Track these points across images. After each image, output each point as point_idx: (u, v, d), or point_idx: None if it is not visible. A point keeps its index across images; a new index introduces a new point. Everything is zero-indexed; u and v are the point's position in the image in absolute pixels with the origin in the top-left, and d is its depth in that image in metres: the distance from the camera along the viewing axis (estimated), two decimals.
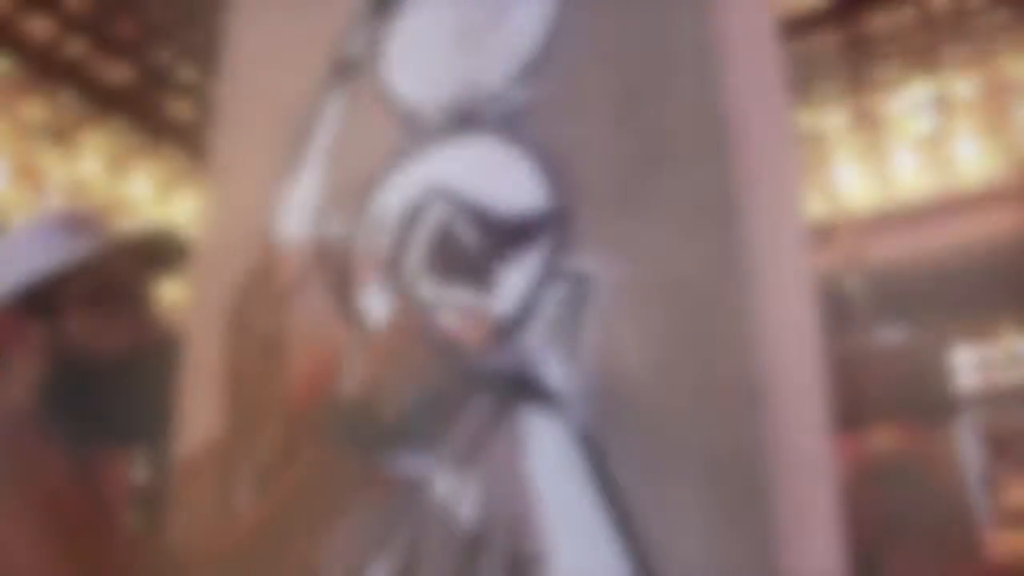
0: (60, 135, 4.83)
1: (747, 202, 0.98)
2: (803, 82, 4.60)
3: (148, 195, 5.65)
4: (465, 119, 1.19)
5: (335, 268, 1.24)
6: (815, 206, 6.58)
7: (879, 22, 4.46)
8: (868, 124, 5.34)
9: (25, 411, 0.91)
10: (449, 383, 1.04)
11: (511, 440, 1.01)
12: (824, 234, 6.63)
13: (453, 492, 1.04)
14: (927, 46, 4.37)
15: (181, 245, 1.12)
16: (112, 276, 1.00)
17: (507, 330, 1.06)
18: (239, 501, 1.20)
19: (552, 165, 1.09)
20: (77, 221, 1.00)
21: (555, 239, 1.06)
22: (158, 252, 1.09)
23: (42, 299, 0.94)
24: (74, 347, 0.94)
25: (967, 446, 6.21)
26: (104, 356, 0.96)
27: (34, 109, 4.95)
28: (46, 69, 4.19)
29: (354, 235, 1.23)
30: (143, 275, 1.05)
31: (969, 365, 6.58)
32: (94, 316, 0.97)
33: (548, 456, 0.98)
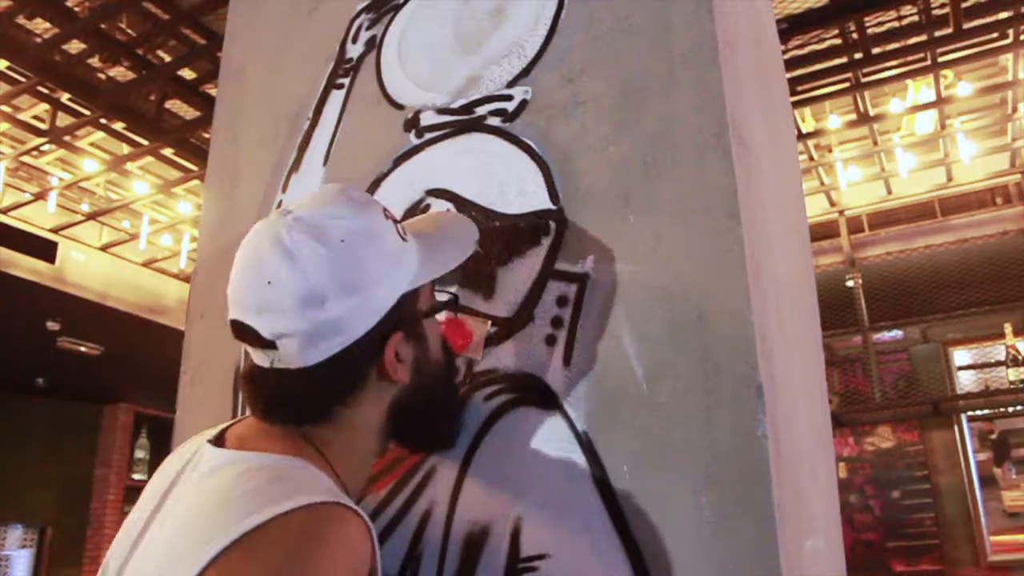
0: (60, 135, 4.83)
1: (747, 202, 0.98)
2: (803, 82, 4.60)
3: (148, 195, 5.65)
4: (465, 119, 1.19)
5: None
6: (815, 206, 6.58)
7: (879, 22, 4.47)
8: (868, 124, 5.34)
9: (374, 426, 0.86)
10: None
11: (511, 440, 1.01)
12: (824, 234, 6.64)
13: (454, 492, 1.04)
14: (927, 46, 4.37)
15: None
16: (436, 281, 0.93)
17: (507, 330, 1.06)
18: None
19: (552, 165, 1.09)
20: (395, 218, 0.89)
21: (555, 239, 1.06)
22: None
23: (412, 313, 0.85)
24: (435, 368, 0.90)
25: (967, 446, 6.21)
26: (444, 371, 0.92)
27: (34, 109, 4.95)
28: (46, 69, 4.19)
29: None
30: None
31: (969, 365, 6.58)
32: (434, 327, 0.91)
33: (548, 456, 0.98)
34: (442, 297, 0.96)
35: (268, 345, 0.78)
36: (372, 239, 0.82)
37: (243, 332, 0.80)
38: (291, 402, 0.82)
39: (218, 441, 0.83)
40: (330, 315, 0.77)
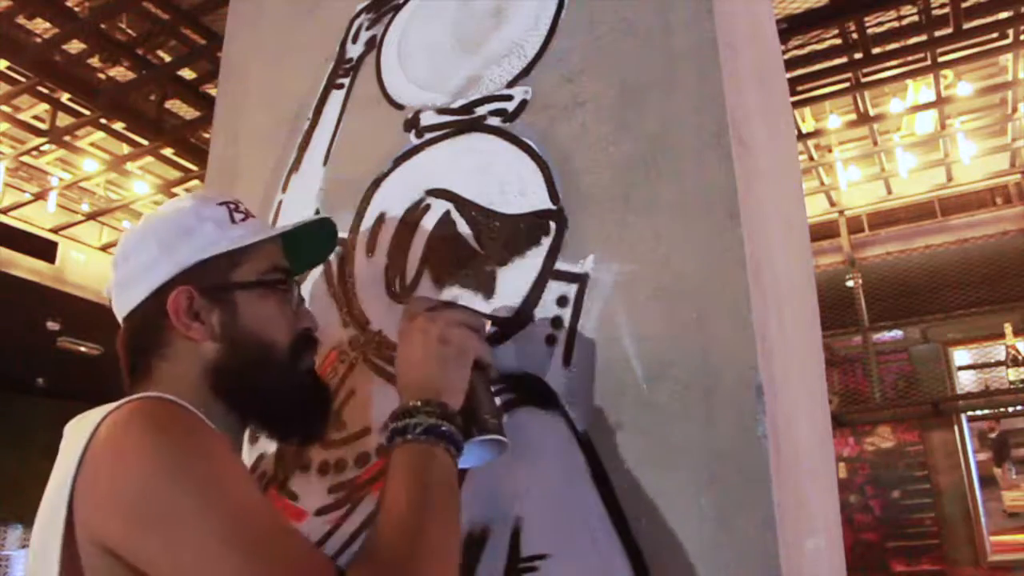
0: (60, 135, 4.83)
1: (747, 202, 0.98)
2: (803, 82, 4.60)
3: (148, 195, 5.65)
4: (465, 119, 1.19)
5: (335, 268, 1.24)
6: (815, 206, 6.58)
7: (879, 22, 4.47)
8: (868, 124, 5.34)
9: (193, 387, 0.87)
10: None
11: (511, 440, 1.01)
12: (824, 234, 6.64)
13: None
14: (927, 46, 4.37)
15: (335, 236, 1.08)
16: (278, 264, 0.97)
17: (507, 330, 1.06)
18: None
19: (552, 165, 1.09)
20: (233, 204, 0.97)
21: (555, 239, 1.06)
22: (315, 243, 1.06)
23: (218, 280, 0.92)
24: (248, 335, 0.91)
25: (967, 446, 6.21)
26: (270, 348, 0.92)
27: (34, 109, 4.95)
28: (46, 69, 4.19)
29: (354, 235, 1.23)
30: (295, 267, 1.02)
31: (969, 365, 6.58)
32: (264, 305, 0.94)
33: (548, 456, 0.98)
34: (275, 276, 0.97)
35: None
36: (185, 214, 0.95)
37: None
38: (123, 355, 0.93)
39: None
40: (133, 266, 0.93)
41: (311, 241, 1.05)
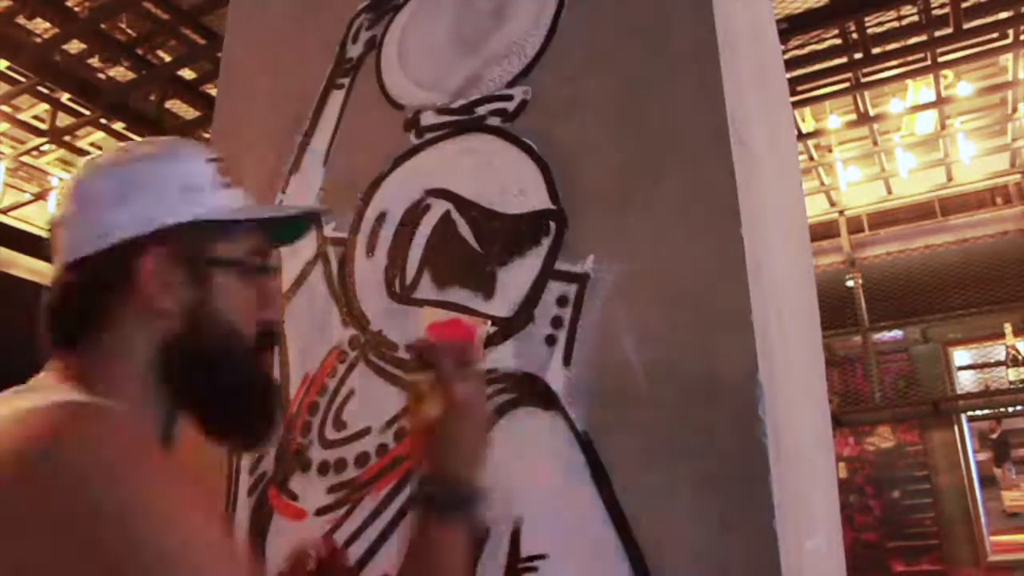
0: (60, 135, 4.83)
1: (747, 202, 0.98)
2: (803, 82, 4.60)
3: None
4: (465, 119, 1.19)
5: (335, 268, 1.24)
6: (815, 206, 6.58)
7: (879, 22, 4.47)
8: (868, 124, 5.34)
9: (136, 362, 0.76)
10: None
11: (511, 440, 1.01)
12: (824, 234, 6.64)
13: None
14: (927, 46, 4.37)
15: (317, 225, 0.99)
16: (261, 246, 0.86)
17: (507, 330, 1.06)
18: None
19: (552, 165, 1.09)
20: (219, 161, 0.84)
21: (555, 239, 1.06)
22: (294, 228, 0.94)
23: (198, 250, 0.79)
24: (216, 318, 0.79)
25: (967, 446, 6.21)
26: (235, 336, 0.81)
27: (34, 109, 4.96)
28: (46, 69, 4.19)
29: (354, 235, 1.23)
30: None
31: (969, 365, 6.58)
32: (239, 288, 0.82)
33: (548, 456, 0.98)
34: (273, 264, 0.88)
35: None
36: (169, 160, 0.81)
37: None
38: (52, 312, 0.78)
39: None
40: (95, 209, 0.77)
41: (291, 226, 0.95)
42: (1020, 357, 6.04)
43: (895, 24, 4.57)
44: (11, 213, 5.82)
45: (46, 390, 0.71)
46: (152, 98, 4.55)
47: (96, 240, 0.76)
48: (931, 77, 4.87)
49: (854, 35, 4.22)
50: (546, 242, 1.06)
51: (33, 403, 0.65)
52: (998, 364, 6.29)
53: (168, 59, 4.43)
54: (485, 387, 0.93)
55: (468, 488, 0.83)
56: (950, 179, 6.42)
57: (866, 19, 4.14)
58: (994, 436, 6.29)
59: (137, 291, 0.76)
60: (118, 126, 4.94)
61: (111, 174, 0.80)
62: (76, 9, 4.17)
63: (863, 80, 4.72)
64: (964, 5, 3.98)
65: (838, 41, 4.51)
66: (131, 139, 5.05)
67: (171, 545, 0.59)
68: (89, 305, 0.77)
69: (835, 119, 5.54)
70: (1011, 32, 4.45)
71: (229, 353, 0.81)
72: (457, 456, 0.85)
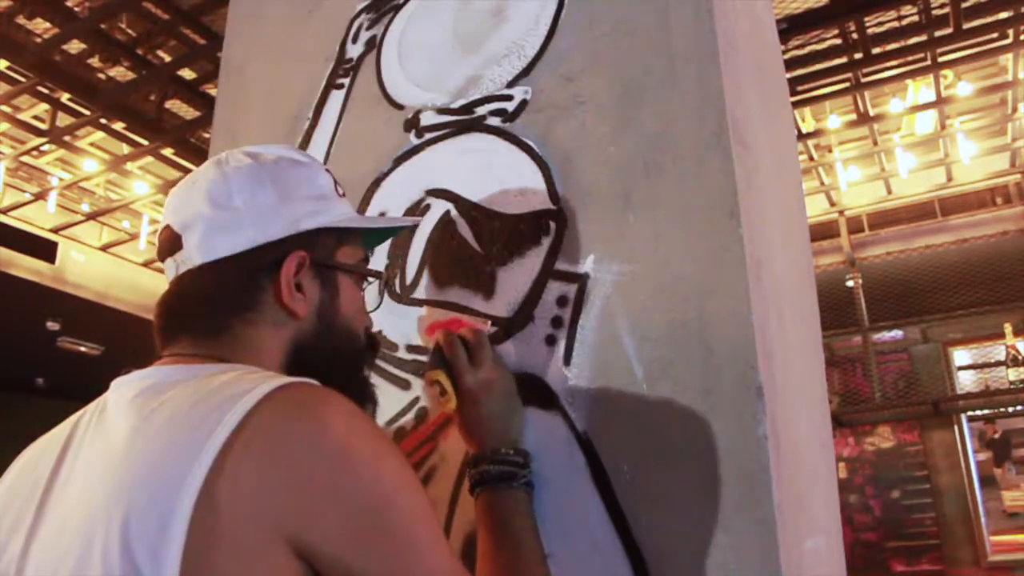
0: (60, 135, 4.83)
1: (747, 202, 0.98)
2: (803, 82, 4.60)
3: (148, 195, 5.65)
4: (465, 119, 1.19)
5: None
6: (815, 206, 6.58)
7: (879, 22, 4.47)
8: (868, 124, 5.34)
9: (271, 363, 0.79)
10: None
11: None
12: (824, 234, 6.64)
13: (454, 491, 1.04)
14: (927, 46, 4.37)
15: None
16: (366, 254, 0.92)
17: (507, 330, 1.06)
18: None
19: (552, 165, 1.09)
20: (331, 173, 0.91)
21: (555, 239, 1.06)
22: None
23: (327, 255, 0.84)
24: (341, 320, 0.84)
25: (967, 446, 6.21)
26: (358, 338, 0.87)
27: (34, 109, 4.95)
28: (46, 69, 4.19)
29: None
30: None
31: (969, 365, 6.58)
32: (355, 293, 0.88)
33: (548, 456, 0.98)
34: (372, 267, 0.94)
35: (177, 246, 0.80)
36: (303, 168, 0.86)
37: (162, 239, 0.83)
38: (188, 308, 0.80)
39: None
40: (236, 210, 0.80)
41: (379, 235, 1.03)
42: (1020, 357, 6.04)
43: (895, 24, 4.57)
44: (11, 213, 5.82)
45: (243, 371, 0.73)
46: (152, 98, 4.55)
47: (243, 240, 0.79)
48: (931, 77, 4.87)
49: (854, 35, 4.22)
50: (546, 242, 1.06)
51: (259, 383, 0.67)
52: (998, 364, 6.28)
53: (168, 59, 4.43)
54: (501, 362, 1.00)
55: (512, 456, 0.93)
56: (950, 179, 6.42)
57: (866, 19, 4.14)
58: (996, 436, 6.29)
59: (277, 290, 0.80)
60: (118, 126, 4.94)
61: (254, 177, 0.82)
62: (76, 9, 4.17)
63: (863, 80, 4.72)
64: (964, 5, 3.98)
65: (838, 41, 4.51)
66: (131, 139, 5.06)
67: (416, 500, 0.69)
68: (244, 295, 0.80)
69: (835, 119, 5.54)
70: (1011, 32, 4.45)
71: (352, 354, 0.87)
72: (492, 433, 0.94)
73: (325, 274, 0.84)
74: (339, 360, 0.85)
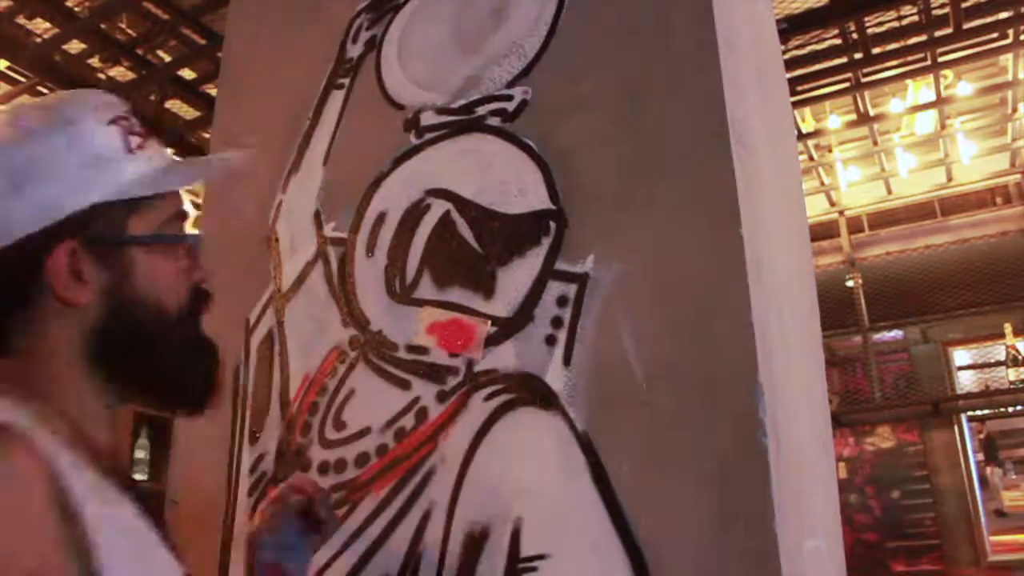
0: None
1: (747, 202, 0.98)
2: (803, 82, 4.60)
3: None
4: (465, 119, 1.19)
5: (335, 268, 1.24)
6: (815, 206, 6.58)
7: (879, 22, 4.47)
8: (868, 124, 5.34)
9: (67, 357, 0.72)
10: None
11: (511, 440, 1.01)
12: (824, 234, 6.64)
13: (454, 492, 1.04)
14: (927, 46, 4.37)
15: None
16: (179, 210, 0.80)
17: (507, 330, 1.06)
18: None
19: (552, 165, 1.09)
20: (125, 118, 0.77)
21: (555, 239, 1.06)
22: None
23: (109, 232, 0.74)
24: (140, 295, 0.75)
25: (967, 446, 6.21)
26: (165, 310, 0.76)
27: None
28: (46, 69, 4.19)
29: (354, 235, 1.23)
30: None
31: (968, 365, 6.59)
32: (160, 260, 0.77)
33: (548, 456, 0.98)
34: (182, 232, 0.81)
35: None
36: (65, 131, 0.73)
37: None
38: None
39: None
40: None
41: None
42: (1020, 357, 6.04)
43: (895, 24, 4.57)
44: None
45: None
46: (152, 98, 4.54)
47: (6, 232, 0.69)
48: (931, 77, 4.88)
49: (854, 35, 4.22)
50: (546, 242, 1.07)
51: None
52: (998, 364, 6.29)
53: (168, 59, 4.43)
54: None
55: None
56: (950, 179, 6.42)
57: (866, 19, 4.13)
58: (981, 437, 6.29)
59: (50, 286, 0.71)
60: None
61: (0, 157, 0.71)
62: (76, 9, 4.17)
63: (863, 80, 4.72)
64: (964, 5, 3.98)
65: (838, 41, 4.51)
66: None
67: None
68: (3, 311, 0.72)
69: (835, 119, 5.54)
70: (1011, 32, 4.45)
71: (160, 325, 0.77)
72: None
73: (110, 254, 0.74)
74: (145, 333, 0.76)
